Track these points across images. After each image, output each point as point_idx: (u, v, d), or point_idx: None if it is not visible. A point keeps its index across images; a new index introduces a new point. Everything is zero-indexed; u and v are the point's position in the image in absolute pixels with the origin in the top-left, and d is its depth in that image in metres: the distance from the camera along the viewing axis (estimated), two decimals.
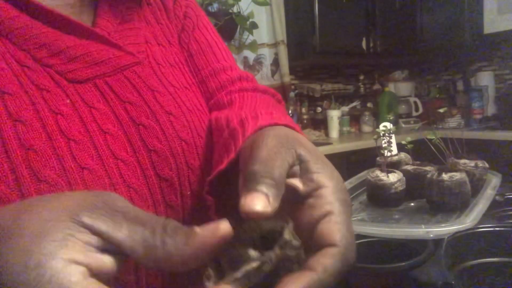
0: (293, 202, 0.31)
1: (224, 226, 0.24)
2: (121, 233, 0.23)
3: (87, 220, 0.23)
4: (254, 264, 0.25)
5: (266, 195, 0.27)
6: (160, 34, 0.50)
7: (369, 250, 0.74)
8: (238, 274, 0.25)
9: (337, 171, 0.32)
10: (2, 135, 0.32)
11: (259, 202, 0.26)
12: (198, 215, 0.43)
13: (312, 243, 0.28)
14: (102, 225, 0.23)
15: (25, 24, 0.37)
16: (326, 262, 0.26)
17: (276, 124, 0.37)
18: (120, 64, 0.42)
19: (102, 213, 0.24)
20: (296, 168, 0.31)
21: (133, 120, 0.40)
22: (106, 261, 0.23)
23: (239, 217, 0.27)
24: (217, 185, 0.38)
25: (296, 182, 0.31)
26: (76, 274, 0.21)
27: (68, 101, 0.37)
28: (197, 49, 0.53)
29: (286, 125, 0.38)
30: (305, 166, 0.31)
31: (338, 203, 0.29)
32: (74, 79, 0.38)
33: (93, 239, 0.23)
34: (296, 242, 0.27)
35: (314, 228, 0.29)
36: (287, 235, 0.27)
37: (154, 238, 0.23)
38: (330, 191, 0.30)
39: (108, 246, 0.23)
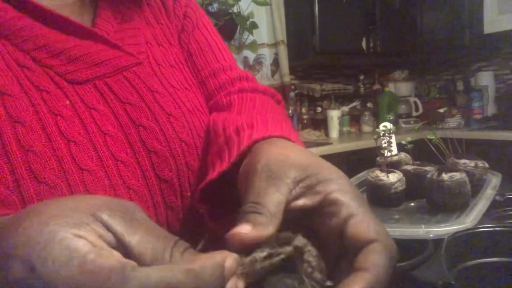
0: (312, 221, 0.31)
1: (229, 262, 0.24)
2: (133, 238, 0.24)
3: (105, 217, 0.24)
4: (263, 254, 0.25)
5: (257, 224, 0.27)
6: (160, 34, 0.50)
7: None
8: (247, 259, 0.25)
9: (337, 169, 0.32)
10: (1, 137, 0.32)
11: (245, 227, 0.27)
12: (198, 216, 0.43)
13: (348, 249, 0.28)
14: (118, 226, 0.24)
15: (25, 25, 0.37)
16: (374, 258, 0.26)
17: (270, 137, 0.37)
18: (120, 64, 0.42)
19: (121, 216, 0.24)
20: (298, 189, 0.30)
21: (133, 121, 0.40)
22: (115, 254, 0.23)
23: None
24: (209, 191, 0.38)
25: (302, 201, 0.30)
26: (84, 243, 0.22)
27: (67, 102, 0.37)
28: (197, 49, 0.53)
29: (281, 136, 0.38)
30: (307, 183, 0.30)
31: (354, 202, 0.29)
32: (74, 80, 0.38)
33: (108, 235, 0.24)
34: (311, 248, 0.27)
35: (341, 235, 0.28)
36: (302, 240, 0.27)
37: (164, 250, 0.24)
38: (340, 194, 0.29)
39: (120, 247, 0.24)
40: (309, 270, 0.26)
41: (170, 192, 0.42)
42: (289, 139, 0.38)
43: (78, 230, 0.22)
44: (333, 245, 0.29)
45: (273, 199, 0.29)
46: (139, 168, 0.39)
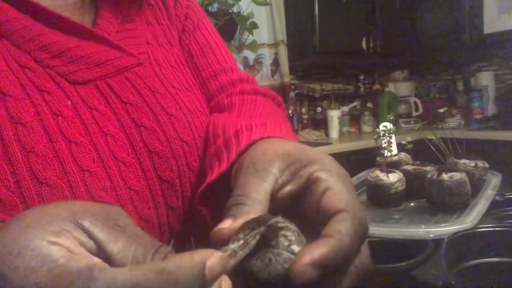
0: (301, 206, 0.31)
1: (213, 261, 0.23)
2: (115, 246, 0.23)
3: (87, 224, 0.24)
4: (240, 243, 0.25)
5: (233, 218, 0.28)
6: (161, 35, 0.50)
7: (369, 250, 0.74)
8: (226, 254, 0.24)
9: (322, 152, 0.33)
10: (3, 137, 0.32)
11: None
12: (199, 217, 0.43)
13: (320, 221, 0.28)
14: (100, 234, 0.24)
15: (26, 25, 0.37)
16: (338, 226, 0.26)
17: (268, 138, 0.38)
18: (121, 65, 0.42)
19: (103, 222, 0.24)
20: (284, 176, 0.31)
21: (134, 121, 0.40)
22: (96, 260, 0.23)
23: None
24: (210, 193, 0.38)
25: (289, 188, 0.31)
26: (59, 249, 0.22)
27: (69, 102, 0.37)
28: (198, 50, 0.53)
29: (278, 137, 0.38)
30: (291, 169, 0.31)
31: (333, 177, 0.30)
32: (75, 80, 0.38)
33: (89, 242, 0.23)
34: (289, 224, 0.27)
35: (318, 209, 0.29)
36: (279, 219, 0.27)
37: (145, 256, 0.23)
38: (322, 172, 0.30)
39: (101, 255, 0.23)
40: (286, 243, 0.26)
41: (171, 193, 0.42)
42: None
43: (55, 237, 0.22)
44: (312, 221, 0.29)
45: (256, 188, 0.29)
46: (141, 168, 0.39)
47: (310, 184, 0.30)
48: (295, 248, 0.26)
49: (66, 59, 0.38)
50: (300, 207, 0.31)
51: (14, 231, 0.22)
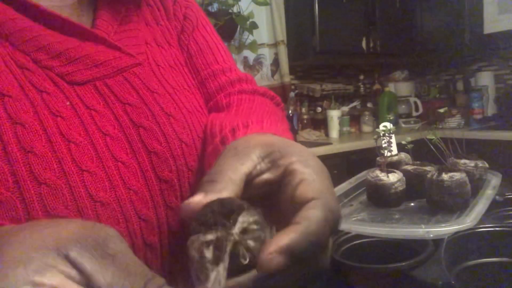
0: (276, 196, 0.31)
1: None
2: (103, 278, 0.23)
3: (74, 254, 0.23)
4: (211, 236, 0.25)
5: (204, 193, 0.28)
6: (159, 35, 0.50)
7: (369, 250, 0.74)
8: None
9: (302, 145, 0.33)
10: (2, 138, 0.32)
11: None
12: None
13: (294, 212, 0.28)
14: (88, 265, 0.23)
15: (24, 26, 0.37)
16: (307, 213, 0.27)
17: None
18: (119, 65, 0.42)
19: (91, 252, 0.23)
20: (264, 164, 0.32)
21: (133, 122, 0.40)
22: None
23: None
24: None
25: (266, 176, 0.31)
26: None
27: (68, 103, 0.37)
28: (197, 50, 0.53)
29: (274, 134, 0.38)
30: (271, 157, 0.32)
31: (309, 169, 0.30)
32: (74, 81, 0.38)
33: (76, 275, 0.23)
34: (252, 210, 0.26)
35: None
36: (239, 203, 0.27)
37: None
38: (299, 164, 0.30)
39: (91, 286, 0.23)
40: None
41: (170, 193, 0.42)
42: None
43: (40, 277, 0.21)
44: (290, 213, 0.29)
45: (233, 169, 0.30)
46: (139, 168, 0.39)
47: (286, 175, 0.30)
48: (251, 243, 0.26)
49: (64, 60, 0.38)
50: (276, 199, 0.31)
51: None
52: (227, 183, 0.29)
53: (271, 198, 0.32)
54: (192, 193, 0.44)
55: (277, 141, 0.33)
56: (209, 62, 0.53)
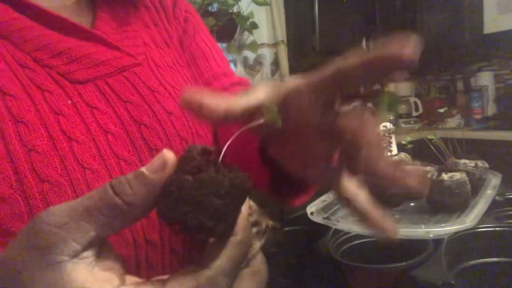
0: None
1: (168, 156, 0.25)
2: None
3: None
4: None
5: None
6: (158, 36, 0.51)
7: (369, 250, 0.74)
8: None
9: None
10: (4, 136, 0.33)
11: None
12: None
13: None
14: None
15: (25, 26, 0.37)
16: None
17: None
18: (120, 65, 0.42)
19: None
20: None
21: (134, 119, 0.40)
22: None
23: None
24: None
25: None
26: None
27: (69, 101, 0.37)
28: (200, 53, 0.55)
29: None
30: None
31: None
32: (75, 79, 0.38)
33: None
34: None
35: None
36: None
37: None
38: None
39: None
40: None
41: None
42: None
43: None
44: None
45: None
46: (141, 166, 0.39)
47: None
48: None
49: (66, 59, 0.38)
50: None
51: None
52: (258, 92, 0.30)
53: None
54: None
55: None
56: (212, 65, 0.55)
